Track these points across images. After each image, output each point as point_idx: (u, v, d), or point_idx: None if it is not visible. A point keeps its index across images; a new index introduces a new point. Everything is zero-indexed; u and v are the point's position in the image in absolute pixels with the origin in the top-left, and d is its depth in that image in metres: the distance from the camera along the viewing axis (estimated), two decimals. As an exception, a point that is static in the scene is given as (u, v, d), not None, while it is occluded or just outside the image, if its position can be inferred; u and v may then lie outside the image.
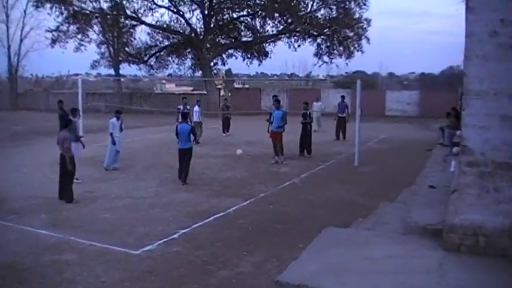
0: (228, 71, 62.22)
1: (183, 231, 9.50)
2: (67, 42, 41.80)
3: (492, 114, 5.76)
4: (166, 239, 9.01)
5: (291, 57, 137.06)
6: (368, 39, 40.60)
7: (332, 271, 5.12)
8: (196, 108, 22.78)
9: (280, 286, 5.02)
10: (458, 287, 4.76)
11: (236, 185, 13.68)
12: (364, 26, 40.10)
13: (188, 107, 21.02)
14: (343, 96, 25.79)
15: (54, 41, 41.48)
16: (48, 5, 39.55)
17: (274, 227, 9.81)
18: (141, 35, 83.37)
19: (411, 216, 6.82)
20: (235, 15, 42.32)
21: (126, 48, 44.51)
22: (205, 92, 41.67)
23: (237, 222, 10.15)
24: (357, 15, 39.62)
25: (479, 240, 5.64)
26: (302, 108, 19.24)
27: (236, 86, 55.61)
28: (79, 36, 41.60)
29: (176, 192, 12.83)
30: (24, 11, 47.86)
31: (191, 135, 14.23)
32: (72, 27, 40.81)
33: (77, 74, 50.87)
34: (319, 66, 45.59)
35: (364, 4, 39.03)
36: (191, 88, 62.18)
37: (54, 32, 41.16)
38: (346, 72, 52.39)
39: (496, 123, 5.75)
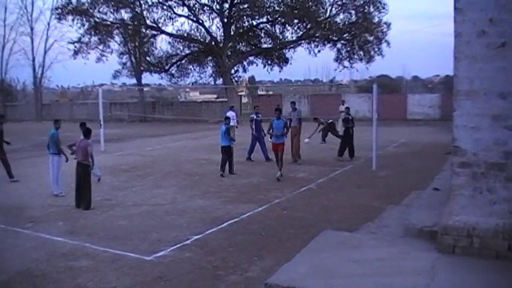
0: (251, 78, 62.65)
1: (196, 237, 9.59)
2: (89, 53, 42.61)
3: (482, 114, 5.77)
4: (179, 245, 9.10)
5: (313, 63, 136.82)
6: (388, 43, 40.53)
7: (321, 273, 5.21)
8: (231, 113, 21.82)
9: (269, 288, 5.16)
10: None
11: (252, 191, 13.75)
12: (384, 29, 40.04)
13: (260, 115, 20.64)
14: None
15: (76, 52, 42.28)
16: (70, 17, 40.45)
17: (287, 232, 9.83)
18: (162, 44, 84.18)
19: (409, 218, 6.86)
20: (254, 23, 42.60)
21: (148, 58, 45.10)
22: (226, 100, 41.96)
23: (250, 228, 10.21)
24: (376, 19, 39.64)
25: (473, 242, 5.65)
26: (345, 112, 19.46)
27: (260, 92, 55.94)
28: (100, 47, 42.30)
29: (193, 199, 12.95)
30: (48, 24, 49.31)
31: (228, 134, 16.28)
32: (94, 38, 41.52)
33: (102, 84, 51.89)
34: (340, 71, 45.82)
35: (383, 8, 39.01)
36: (215, 96, 62.65)
37: (76, 44, 41.98)
38: (370, 77, 52.35)
39: (486, 123, 5.76)
